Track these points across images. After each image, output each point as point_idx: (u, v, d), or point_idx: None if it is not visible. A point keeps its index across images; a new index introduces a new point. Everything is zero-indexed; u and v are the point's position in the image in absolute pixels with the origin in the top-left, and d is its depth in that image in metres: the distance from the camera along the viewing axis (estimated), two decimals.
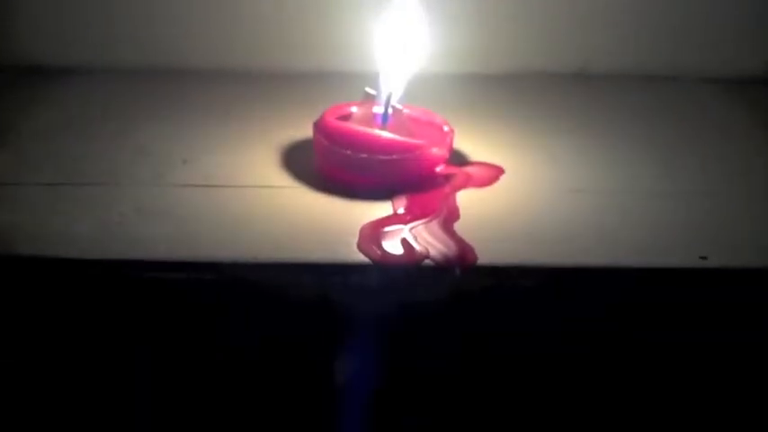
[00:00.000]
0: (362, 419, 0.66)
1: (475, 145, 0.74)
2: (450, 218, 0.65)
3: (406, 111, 0.70)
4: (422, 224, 0.64)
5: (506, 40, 0.85)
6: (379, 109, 0.70)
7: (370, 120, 0.70)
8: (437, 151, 0.68)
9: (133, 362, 0.64)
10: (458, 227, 0.64)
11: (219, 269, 0.60)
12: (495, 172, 0.71)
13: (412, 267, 0.61)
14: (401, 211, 0.65)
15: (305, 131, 0.71)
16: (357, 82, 0.70)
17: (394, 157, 0.67)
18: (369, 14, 0.70)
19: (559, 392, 0.67)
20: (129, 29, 0.83)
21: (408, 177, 0.68)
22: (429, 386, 0.66)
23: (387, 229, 0.63)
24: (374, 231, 0.63)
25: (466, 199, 0.67)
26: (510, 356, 0.65)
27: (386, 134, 0.68)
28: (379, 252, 0.61)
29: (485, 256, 0.61)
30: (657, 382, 0.66)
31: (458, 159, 0.72)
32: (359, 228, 0.63)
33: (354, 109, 0.70)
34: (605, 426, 0.68)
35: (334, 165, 0.68)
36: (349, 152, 0.67)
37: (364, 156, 0.66)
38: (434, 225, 0.64)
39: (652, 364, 0.65)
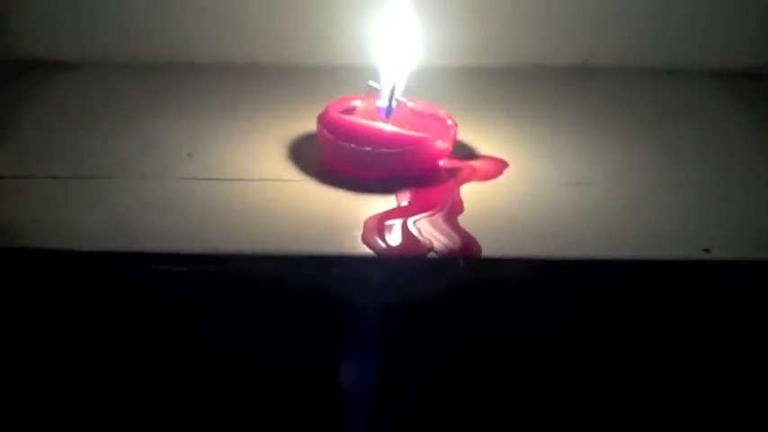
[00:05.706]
0: (364, 413, 0.66)
1: (478, 138, 0.74)
2: (454, 211, 0.65)
3: (409, 104, 0.70)
4: (426, 217, 0.64)
5: (509, 34, 0.85)
6: (382, 102, 0.70)
7: (373, 113, 0.70)
8: (441, 144, 0.68)
9: (137, 354, 0.64)
10: (462, 220, 0.64)
11: (225, 262, 0.60)
12: (500, 165, 0.71)
13: (416, 260, 0.61)
14: (405, 204, 0.66)
15: (309, 125, 0.72)
16: (361, 75, 0.71)
17: (397, 150, 0.67)
18: (373, 7, 0.70)
19: (561, 383, 0.67)
20: (132, 22, 0.83)
21: (412, 170, 0.68)
22: (432, 377, 0.66)
23: (391, 222, 0.64)
24: (378, 224, 0.63)
25: (470, 192, 0.67)
26: (513, 348, 0.65)
27: (389, 127, 0.68)
28: (383, 245, 0.61)
29: (489, 249, 0.61)
30: (659, 373, 0.66)
31: (462, 153, 0.72)
32: (363, 221, 0.63)
33: (358, 102, 0.71)
34: (607, 414, 0.68)
35: (338, 158, 0.68)
36: (353, 145, 0.67)
37: (368, 149, 0.67)
38: (438, 218, 0.64)
39: (654, 356, 0.66)
